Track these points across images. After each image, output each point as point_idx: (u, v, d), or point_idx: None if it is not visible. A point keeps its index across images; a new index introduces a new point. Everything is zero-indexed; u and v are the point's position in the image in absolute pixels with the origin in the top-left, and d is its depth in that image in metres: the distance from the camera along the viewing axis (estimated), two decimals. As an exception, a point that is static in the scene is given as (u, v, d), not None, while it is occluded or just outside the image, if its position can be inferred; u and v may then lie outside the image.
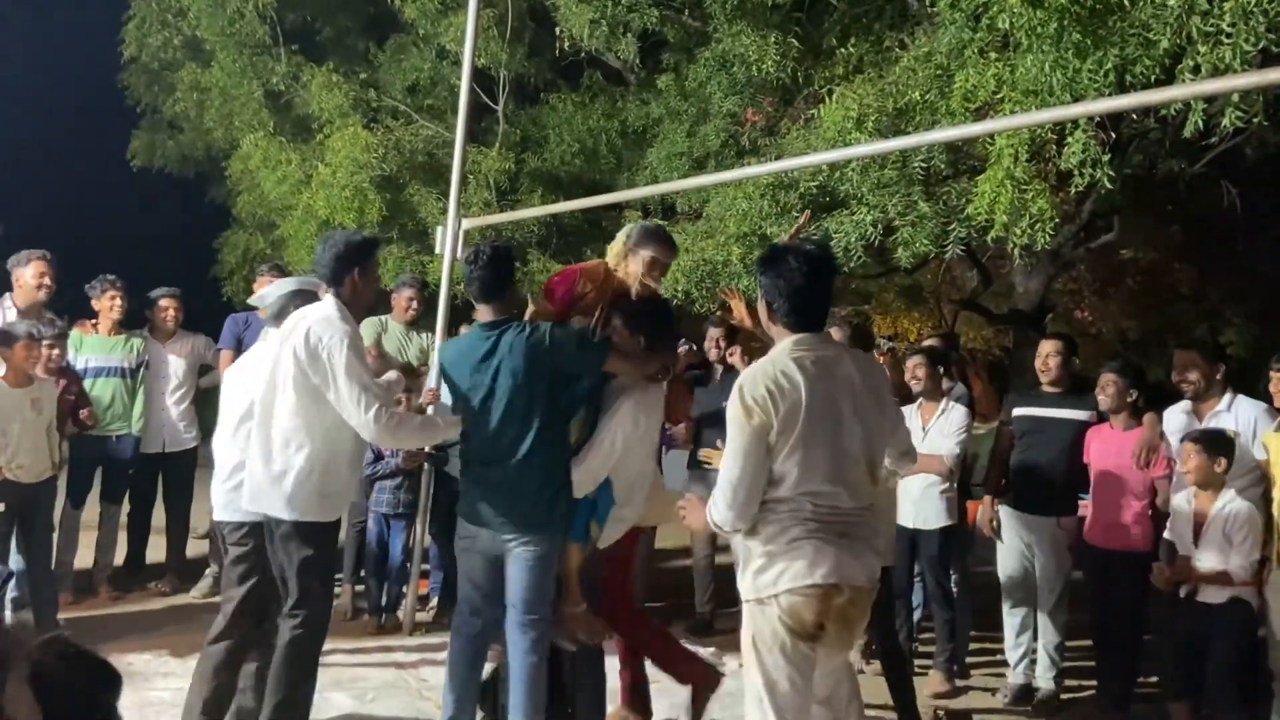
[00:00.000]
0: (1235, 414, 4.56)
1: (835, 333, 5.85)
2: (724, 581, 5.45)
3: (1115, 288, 12.53)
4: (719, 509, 2.85)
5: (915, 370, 5.43)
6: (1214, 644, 4.19)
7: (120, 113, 12.64)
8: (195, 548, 6.68)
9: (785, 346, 2.90)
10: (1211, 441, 4.31)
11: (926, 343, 6.28)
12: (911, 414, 5.45)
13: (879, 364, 3.52)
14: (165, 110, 11.79)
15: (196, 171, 12.86)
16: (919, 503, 5.31)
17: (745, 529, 2.85)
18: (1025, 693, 5.03)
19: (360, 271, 3.66)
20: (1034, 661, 5.07)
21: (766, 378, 2.82)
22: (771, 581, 2.80)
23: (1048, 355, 5.14)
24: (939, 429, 5.29)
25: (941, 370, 5.45)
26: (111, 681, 1.41)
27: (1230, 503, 4.23)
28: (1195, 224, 9.75)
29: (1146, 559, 4.60)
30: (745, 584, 2.87)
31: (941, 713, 4.80)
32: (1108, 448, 4.81)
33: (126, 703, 4.29)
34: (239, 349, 5.87)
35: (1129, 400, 4.80)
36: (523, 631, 3.51)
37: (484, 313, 3.64)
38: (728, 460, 2.83)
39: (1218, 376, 4.63)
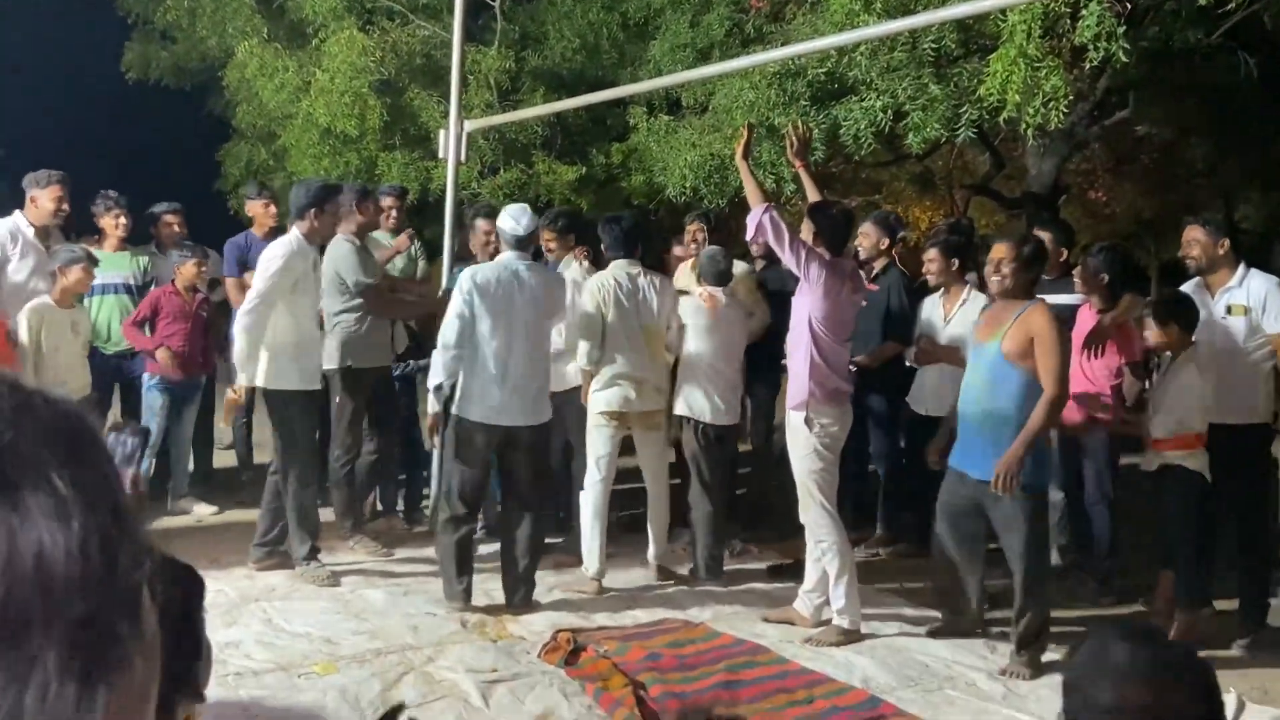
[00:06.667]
0: (1247, 288, 4.53)
1: (871, 229, 5.82)
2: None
3: (1130, 166, 12.32)
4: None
5: (929, 262, 5.42)
6: (1164, 507, 4.37)
7: (113, 24, 12.36)
8: (221, 459, 6.82)
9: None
10: (1162, 307, 4.39)
11: (941, 233, 6.21)
12: (935, 305, 5.46)
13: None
14: (157, 20, 11.51)
15: (193, 83, 12.62)
16: (936, 390, 5.37)
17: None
18: None
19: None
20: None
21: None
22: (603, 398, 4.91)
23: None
24: (959, 319, 5.30)
25: (956, 262, 5.43)
26: (198, 584, 1.46)
27: (1178, 366, 4.32)
28: (1211, 98, 9.52)
29: (1106, 437, 4.81)
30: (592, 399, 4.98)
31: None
32: (1080, 329, 4.84)
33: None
34: (244, 272, 5.87)
35: (1102, 283, 4.80)
36: None
37: None
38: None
39: (1221, 251, 4.58)
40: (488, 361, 4.50)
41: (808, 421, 4.29)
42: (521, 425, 4.58)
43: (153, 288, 6.10)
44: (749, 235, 4.44)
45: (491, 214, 6.14)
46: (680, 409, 5.15)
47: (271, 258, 4.82)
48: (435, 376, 4.53)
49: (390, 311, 5.44)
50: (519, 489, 4.69)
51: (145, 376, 5.90)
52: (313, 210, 4.89)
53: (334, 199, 5.04)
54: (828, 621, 4.39)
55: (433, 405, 4.63)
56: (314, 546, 4.93)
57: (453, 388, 4.57)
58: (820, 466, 4.31)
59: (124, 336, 5.86)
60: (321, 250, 5.49)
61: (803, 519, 4.40)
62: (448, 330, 4.48)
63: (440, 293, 5.77)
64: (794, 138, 4.57)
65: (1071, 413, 4.76)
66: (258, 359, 4.78)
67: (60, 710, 0.44)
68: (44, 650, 0.44)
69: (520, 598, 4.59)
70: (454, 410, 4.56)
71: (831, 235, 4.44)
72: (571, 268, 5.46)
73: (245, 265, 5.96)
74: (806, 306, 4.31)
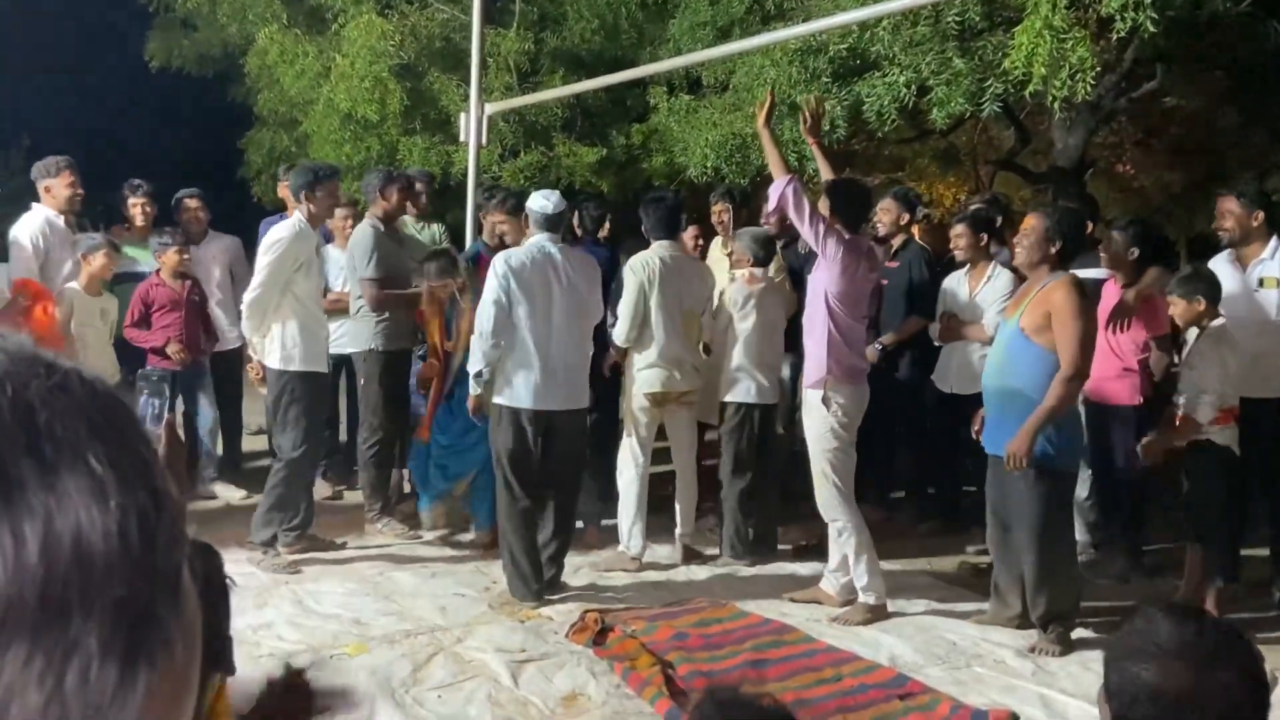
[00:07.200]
0: (1279, 261, 4.49)
1: (891, 205, 5.78)
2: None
3: (1158, 139, 12.12)
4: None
5: (957, 238, 5.38)
6: (1192, 482, 4.33)
7: (135, 13, 12.42)
8: (250, 444, 6.88)
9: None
10: (1185, 284, 4.32)
11: (971, 208, 6.15)
12: (959, 281, 5.42)
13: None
14: (178, 8, 11.56)
15: (215, 71, 12.67)
16: (960, 368, 5.34)
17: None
18: None
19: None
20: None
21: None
22: (646, 379, 4.90)
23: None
24: (984, 296, 5.26)
25: (984, 237, 5.39)
26: (216, 558, 1.50)
27: (1206, 341, 4.25)
28: (1240, 68, 9.35)
29: (1133, 413, 4.72)
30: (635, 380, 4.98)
31: (968, 565, 4.94)
32: (1105, 304, 4.79)
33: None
34: None
35: (1129, 259, 4.74)
36: None
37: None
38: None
39: (1255, 223, 4.53)
40: (526, 346, 4.41)
41: (825, 400, 4.26)
42: (562, 410, 4.51)
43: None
44: (770, 206, 4.41)
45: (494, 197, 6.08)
46: (728, 395, 5.11)
47: (273, 241, 4.84)
48: (475, 364, 4.47)
49: (383, 307, 5.40)
50: (556, 474, 4.62)
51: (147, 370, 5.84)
52: (304, 193, 4.90)
53: (326, 181, 5.00)
54: (854, 600, 4.38)
55: (474, 389, 4.57)
56: (275, 535, 4.89)
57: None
58: (835, 446, 4.29)
59: (127, 339, 5.73)
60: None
61: (818, 499, 4.38)
62: (484, 317, 4.41)
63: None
64: (807, 114, 4.52)
65: (1109, 386, 4.74)
66: (266, 337, 4.86)
67: (101, 692, 0.44)
68: (84, 632, 0.44)
69: (549, 579, 4.59)
70: (495, 399, 4.50)
71: (848, 212, 4.41)
72: None
73: None
74: (823, 283, 4.29)
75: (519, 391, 4.44)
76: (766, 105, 4.48)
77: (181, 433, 5.94)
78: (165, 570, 0.49)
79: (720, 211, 6.02)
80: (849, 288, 4.27)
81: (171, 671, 0.48)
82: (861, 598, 4.33)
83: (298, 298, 4.87)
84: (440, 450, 5.28)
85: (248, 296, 4.89)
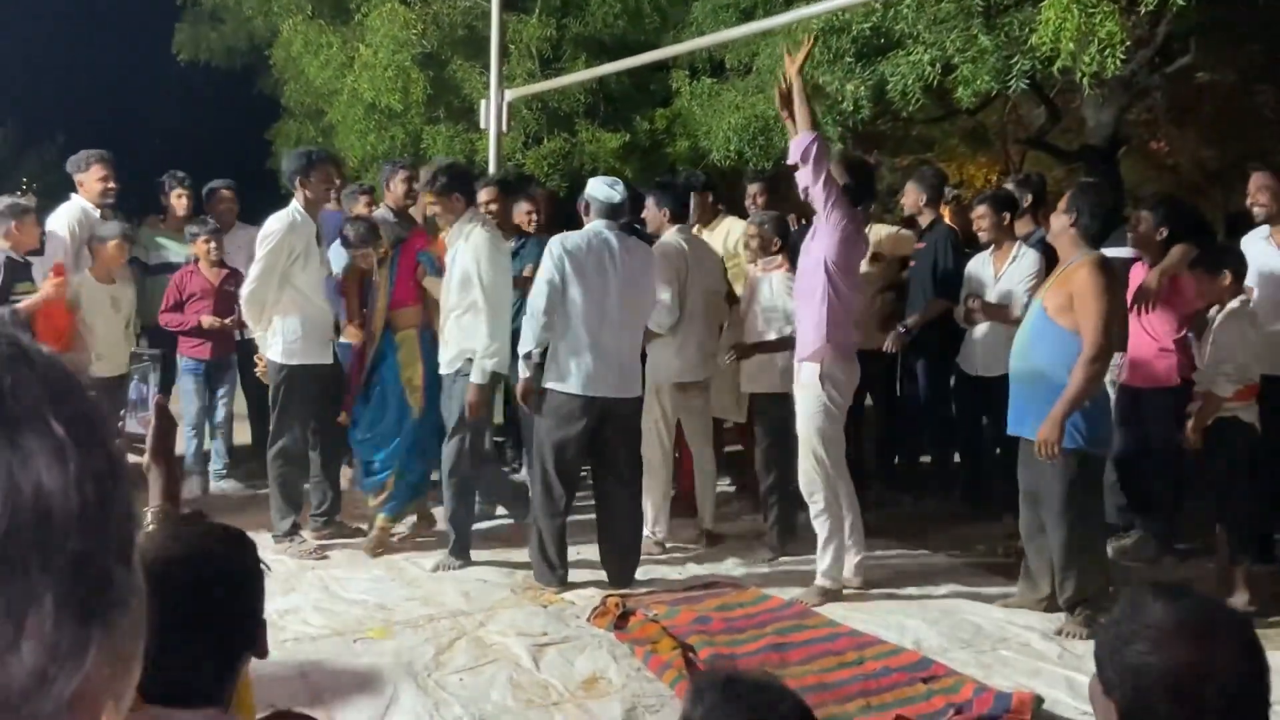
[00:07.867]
0: (1316, 236, 4.39)
1: (918, 185, 5.72)
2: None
3: (1193, 115, 11.89)
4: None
5: (979, 219, 5.32)
6: (1216, 461, 4.22)
7: (164, 7, 12.56)
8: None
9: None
10: (1212, 258, 4.22)
11: (1007, 187, 6.05)
12: (984, 262, 5.35)
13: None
14: (205, 1, 11.69)
15: (243, 63, 12.78)
16: (986, 350, 5.27)
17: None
18: None
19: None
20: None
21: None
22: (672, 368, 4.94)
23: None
24: (1009, 276, 5.19)
25: (1007, 216, 5.31)
26: (249, 540, 1.51)
27: (1231, 316, 4.14)
28: (1275, 41, 9.14)
29: (1172, 393, 4.60)
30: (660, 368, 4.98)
31: (1010, 547, 4.88)
32: (1133, 285, 4.70)
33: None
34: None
35: (1158, 239, 4.66)
36: None
37: None
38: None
39: None
40: (579, 330, 4.32)
41: (821, 379, 4.19)
42: (616, 398, 4.40)
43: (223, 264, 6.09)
44: (791, 159, 4.28)
45: (491, 182, 5.90)
46: (776, 385, 5.01)
47: (268, 233, 4.81)
48: (525, 345, 4.40)
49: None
50: (616, 465, 4.52)
51: (178, 359, 5.85)
52: (299, 178, 4.87)
53: (319, 165, 4.93)
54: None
55: (523, 371, 4.49)
56: (295, 523, 4.90)
57: (543, 356, 4.42)
58: (826, 423, 4.22)
59: (161, 325, 5.81)
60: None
61: (800, 477, 4.32)
62: (537, 297, 4.33)
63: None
64: (806, 51, 4.32)
65: (1147, 367, 4.67)
66: (267, 330, 4.85)
67: (57, 644, 0.45)
68: (43, 585, 0.45)
69: (626, 576, 4.48)
70: (544, 383, 4.42)
71: (855, 187, 4.34)
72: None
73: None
74: (822, 250, 4.20)
75: (571, 376, 4.35)
76: (805, 51, 4.29)
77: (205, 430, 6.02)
78: (120, 534, 0.50)
79: (755, 194, 5.93)
80: (846, 258, 4.22)
81: (123, 633, 0.50)
82: (819, 580, 4.29)
83: (298, 289, 4.81)
84: (359, 445, 5.11)
85: (244, 290, 4.86)
